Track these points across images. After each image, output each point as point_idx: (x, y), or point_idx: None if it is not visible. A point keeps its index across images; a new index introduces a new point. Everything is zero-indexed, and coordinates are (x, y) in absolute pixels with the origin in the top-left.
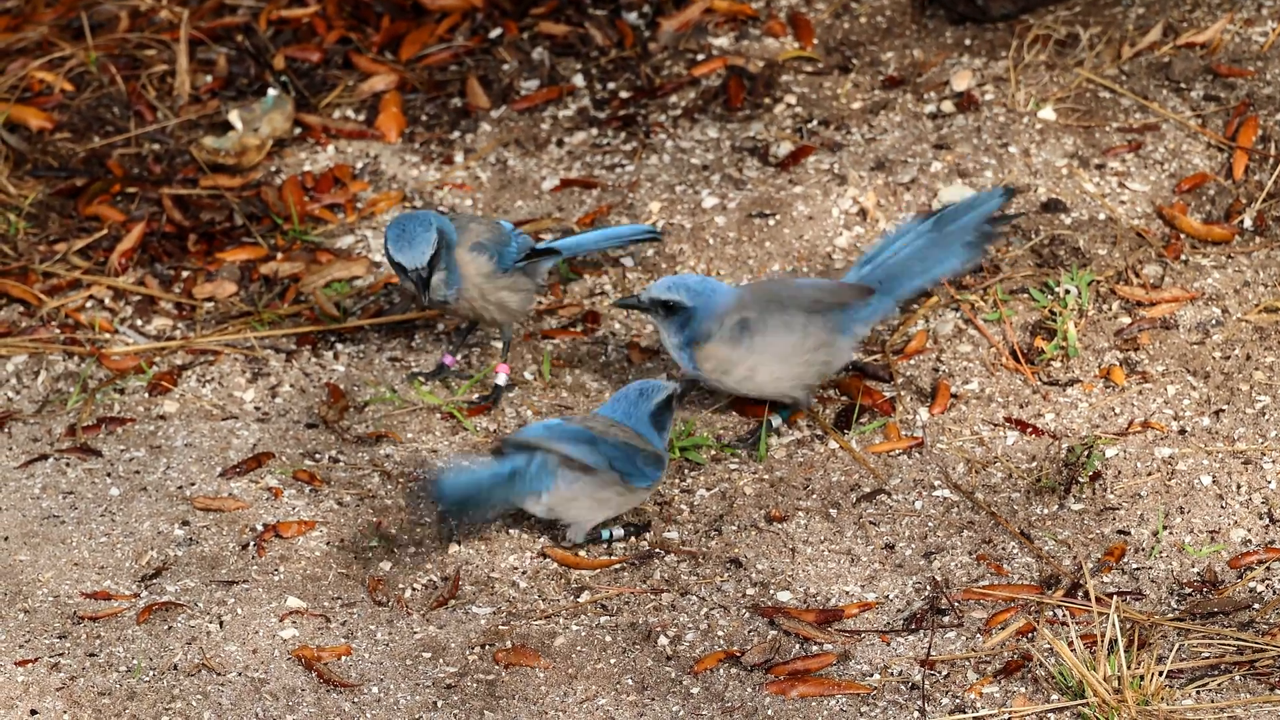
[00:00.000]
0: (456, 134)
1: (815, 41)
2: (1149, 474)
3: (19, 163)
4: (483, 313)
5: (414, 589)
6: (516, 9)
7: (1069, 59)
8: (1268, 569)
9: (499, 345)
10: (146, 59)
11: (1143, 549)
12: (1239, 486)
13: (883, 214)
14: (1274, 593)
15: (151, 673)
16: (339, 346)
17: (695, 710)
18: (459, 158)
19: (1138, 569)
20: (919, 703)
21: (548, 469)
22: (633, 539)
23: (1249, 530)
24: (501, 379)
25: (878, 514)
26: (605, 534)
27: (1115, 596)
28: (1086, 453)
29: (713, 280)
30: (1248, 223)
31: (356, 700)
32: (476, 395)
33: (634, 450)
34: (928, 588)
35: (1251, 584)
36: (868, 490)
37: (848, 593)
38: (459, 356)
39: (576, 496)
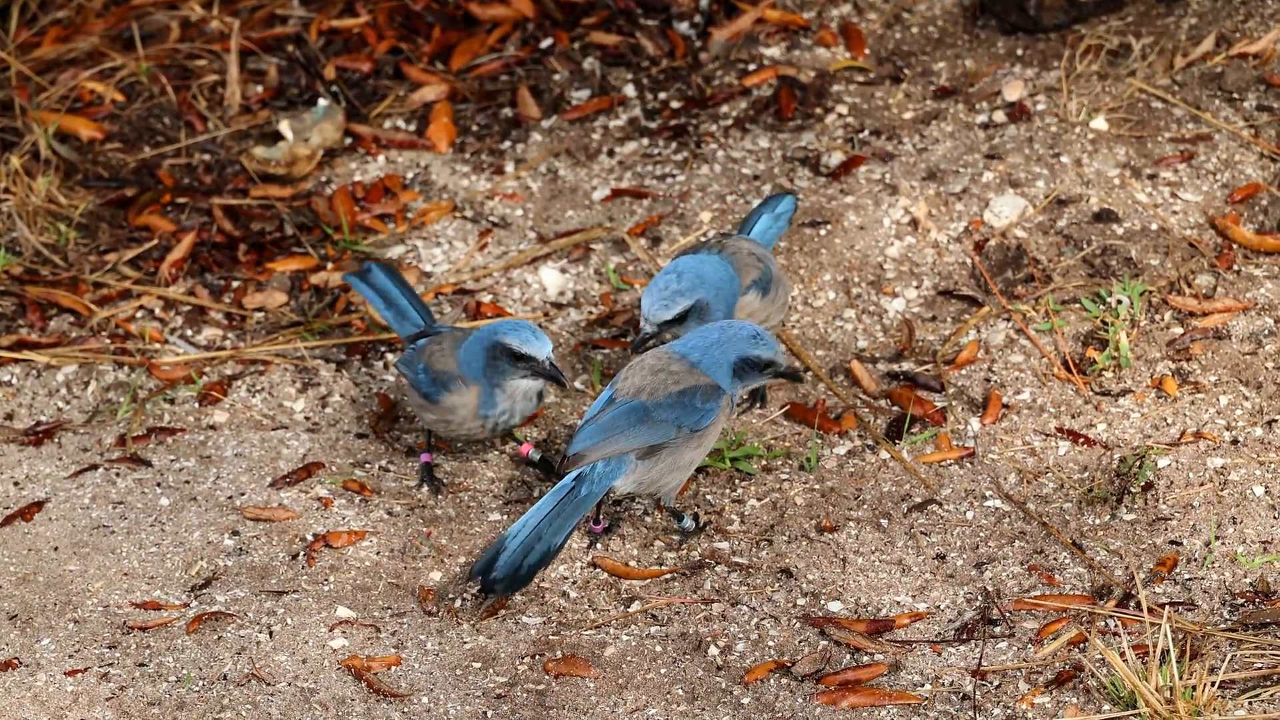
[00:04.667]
0: (507, 144)
1: (867, 51)
2: (1201, 484)
3: (69, 173)
4: None
5: (464, 599)
6: (567, 19)
7: (1121, 69)
8: None
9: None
10: (197, 69)
11: (1195, 559)
12: None
13: (934, 224)
14: None
15: (201, 683)
16: (389, 356)
17: None
18: (510, 168)
19: (1190, 579)
20: (970, 713)
21: (616, 460)
22: (692, 539)
23: None
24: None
25: (929, 524)
26: (686, 521)
27: (1167, 607)
28: (1138, 463)
29: (686, 260)
30: None
31: (406, 710)
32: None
33: (691, 393)
34: (979, 598)
35: None
36: (919, 500)
37: (899, 603)
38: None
39: (660, 473)
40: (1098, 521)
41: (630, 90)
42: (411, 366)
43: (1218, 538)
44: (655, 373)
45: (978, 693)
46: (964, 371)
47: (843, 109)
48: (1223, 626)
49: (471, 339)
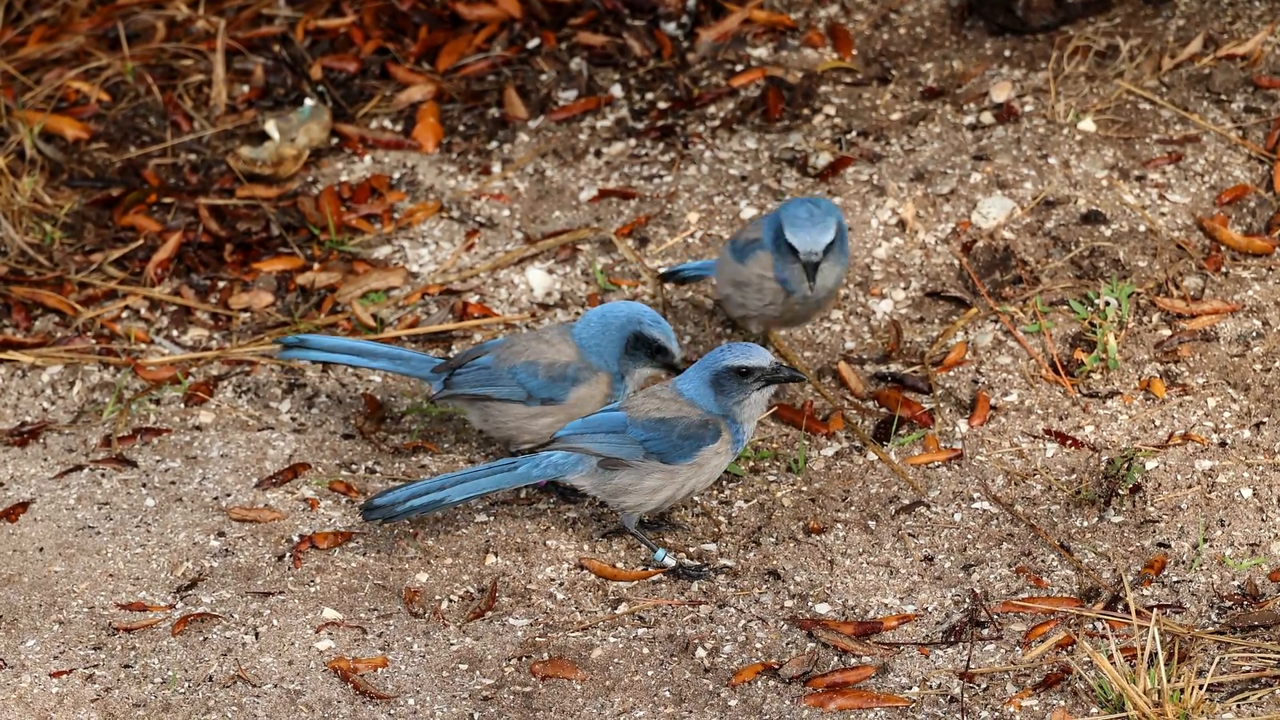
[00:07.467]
0: (494, 144)
1: (854, 52)
2: (1189, 487)
3: (55, 173)
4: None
5: (451, 600)
6: (554, 19)
7: (1109, 70)
8: None
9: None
10: (183, 69)
11: (1183, 562)
12: None
13: (922, 225)
14: None
15: (186, 684)
16: None
17: None
18: (496, 168)
19: (1178, 582)
20: (958, 715)
21: (576, 457)
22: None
23: None
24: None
25: (917, 526)
26: (660, 554)
27: (1155, 609)
28: (1126, 465)
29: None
30: None
31: (392, 712)
32: None
33: (670, 425)
34: (967, 600)
35: None
36: (907, 502)
37: (886, 605)
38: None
39: (620, 489)
40: (1085, 524)
41: (617, 91)
42: (499, 381)
43: (1205, 540)
44: (648, 396)
45: (965, 695)
46: (952, 373)
47: (830, 110)
48: (1210, 629)
49: (608, 331)
